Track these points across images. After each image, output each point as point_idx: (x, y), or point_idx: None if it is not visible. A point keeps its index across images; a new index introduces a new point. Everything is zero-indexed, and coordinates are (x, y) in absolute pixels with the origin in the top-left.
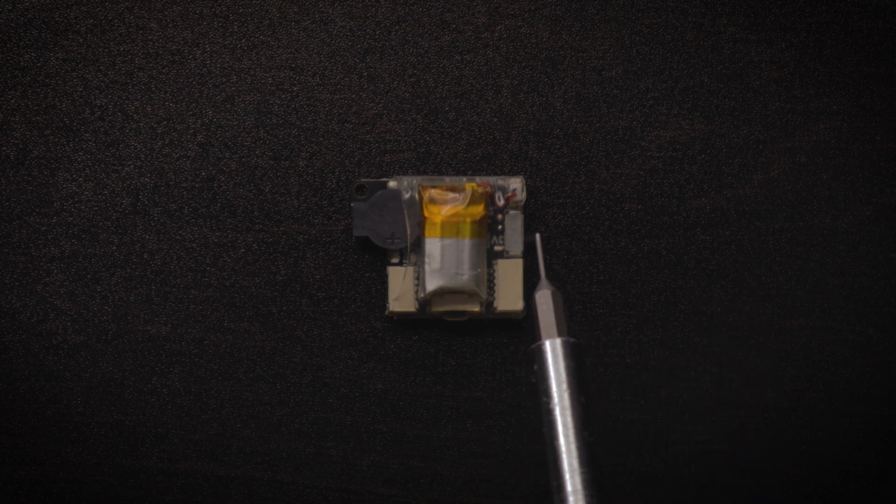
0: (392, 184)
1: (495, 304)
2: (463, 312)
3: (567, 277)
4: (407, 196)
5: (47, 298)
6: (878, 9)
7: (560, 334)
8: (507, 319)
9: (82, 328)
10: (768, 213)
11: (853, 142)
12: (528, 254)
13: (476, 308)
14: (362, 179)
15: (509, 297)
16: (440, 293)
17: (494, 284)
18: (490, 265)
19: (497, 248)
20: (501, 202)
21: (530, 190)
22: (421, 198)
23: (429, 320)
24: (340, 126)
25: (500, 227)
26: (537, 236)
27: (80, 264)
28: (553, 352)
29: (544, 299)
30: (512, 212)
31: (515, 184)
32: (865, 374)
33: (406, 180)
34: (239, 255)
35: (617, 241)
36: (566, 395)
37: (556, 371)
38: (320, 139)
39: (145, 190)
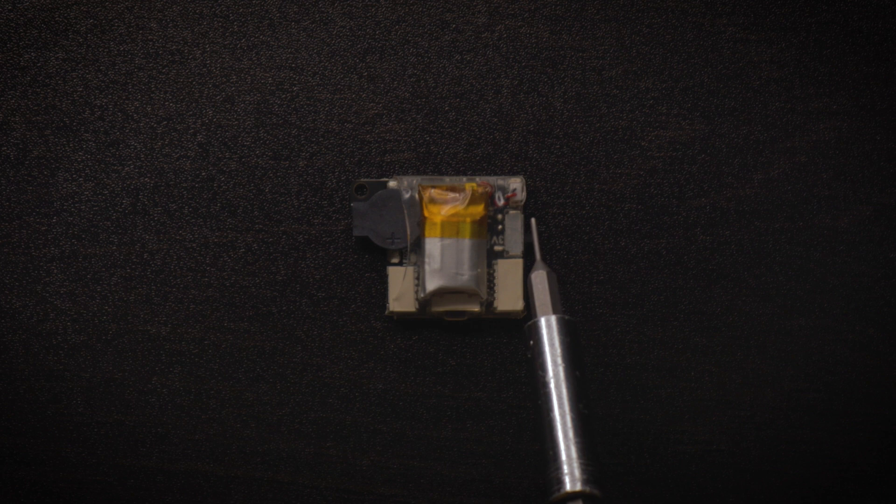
0: (392, 184)
1: (495, 304)
2: (463, 312)
3: (567, 277)
4: (407, 196)
5: (47, 298)
6: (878, 9)
7: (555, 311)
8: (507, 319)
9: (82, 328)
10: (768, 213)
11: (853, 142)
12: (526, 247)
13: (476, 308)
14: (362, 179)
15: (509, 297)
16: (440, 293)
17: (494, 284)
18: (490, 265)
19: (497, 248)
20: (501, 202)
21: (530, 190)
22: (421, 198)
23: (429, 320)
24: (340, 126)
25: (500, 227)
26: (532, 220)
27: (80, 264)
28: (548, 327)
29: (539, 279)
30: (512, 212)
31: (515, 184)
32: (865, 374)
33: (406, 180)
34: (239, 255)
35: (617, 241)
36: (561, 369)
37: (552, 346)
38: (320, 139)
39: (145, 190)
